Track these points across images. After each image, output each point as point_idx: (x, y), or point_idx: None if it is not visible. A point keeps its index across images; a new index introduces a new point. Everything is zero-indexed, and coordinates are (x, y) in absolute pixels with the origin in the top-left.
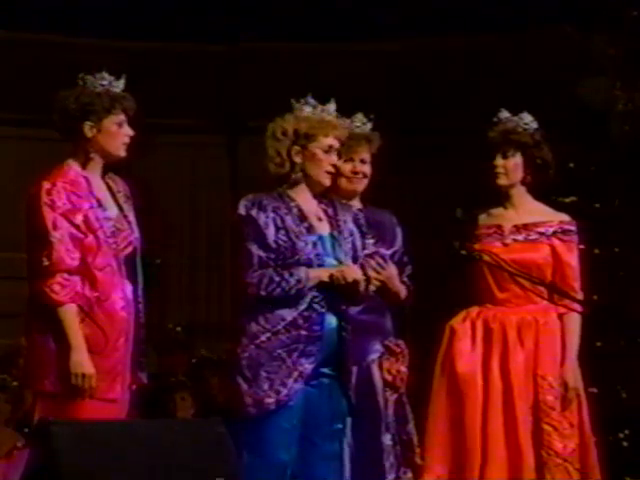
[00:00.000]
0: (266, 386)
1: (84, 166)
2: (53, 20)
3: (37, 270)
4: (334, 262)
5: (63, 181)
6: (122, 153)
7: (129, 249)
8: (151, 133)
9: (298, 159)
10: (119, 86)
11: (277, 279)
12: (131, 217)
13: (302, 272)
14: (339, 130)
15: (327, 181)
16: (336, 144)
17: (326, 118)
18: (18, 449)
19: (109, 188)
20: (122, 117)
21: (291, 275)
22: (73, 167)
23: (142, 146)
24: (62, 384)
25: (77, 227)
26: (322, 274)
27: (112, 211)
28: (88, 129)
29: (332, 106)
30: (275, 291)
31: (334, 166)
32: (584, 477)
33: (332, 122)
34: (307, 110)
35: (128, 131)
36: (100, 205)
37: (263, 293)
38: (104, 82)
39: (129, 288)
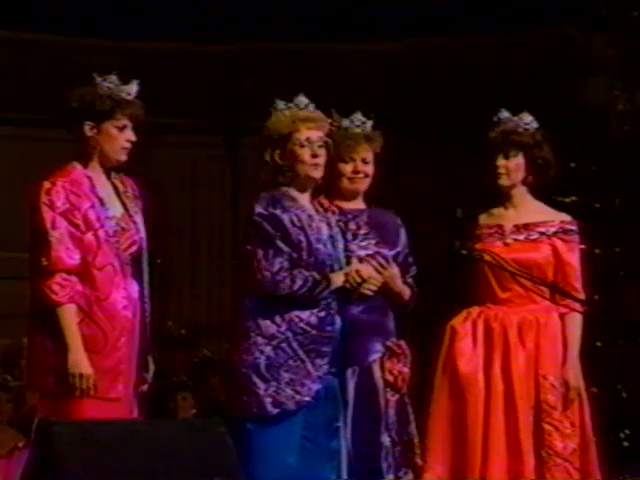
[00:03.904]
0: (287, 386)
1: (87, 165)
2: (54, 20)
3: (37, 270)
4: (339, 264)
5: (63, 181)
6: (122, 157)
7: (133, 248)
8: (152, 133)
9: (282, 161)
10: (129, 91)
11: (308, 280)
12: (138, 217)
13: (327, 276)
14: (315, 122)
15: (316, 173)
16: (314, 135)
17: (299, 114)
18: (19, 449)
19: (115, 188)
20: (124, 122)
21: (319, 278)
22: (77, 167)
23: (144, 146)
24: (61, 384)
25: (76, 226)
26: (339, 278)
27: (116, 211)
28: (88, 129)
29: (303, 99)
30: (304, 291)
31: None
32: (584, 477)
33: (301, 116)
34: (283, 110)
35: (129, 136)
36: (102, 204)
37: (293, 292)
38: (110, 85)
39: (134, 288)
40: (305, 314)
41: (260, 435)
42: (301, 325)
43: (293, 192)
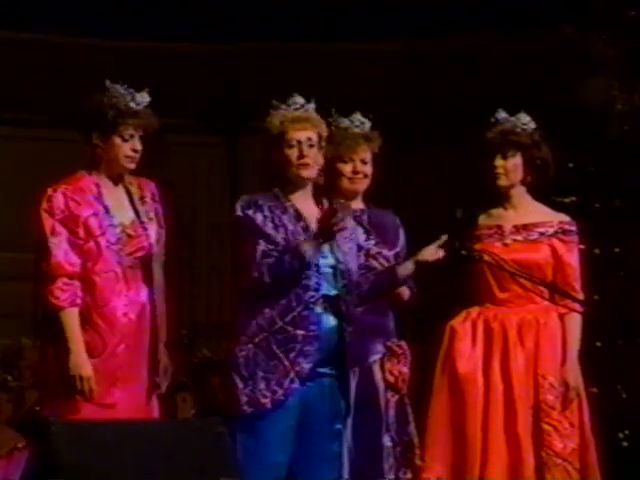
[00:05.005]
0: (262, 385)
1: (95, 172)
2: (53, 20)
3: (39, 275)
4: (331, 262)
5: (65, 188)
6: (128, 166)
7: (139, 254)
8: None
9: (274, 162)
10: (138, 100)
11: (274, 260)
12: (150, 223)
13: (301, 244)
14: (305, 122)
15: (305, 173)
16: (303, 136)
17: (288, 115)
18: (19, 449)
19: (129, 194)
20: (130, 132)
21: (288, 252)
22: (86, 175)
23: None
24: (63, 387)
25: (75, 234)
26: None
27: (123, 218)
28: (95, 137)
29: (297, 99)
30: (277, 271)
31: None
32: (584, 477)
33: (290, 117)
34: (278, 110)
35: (135, 146)
36: (107, 212)
37: (268, 279)
38: (116, 94)
39: (142, 292)
40: (285, 312)
41: (246, 434)
42: (280, 324)
43: (286, 192)
